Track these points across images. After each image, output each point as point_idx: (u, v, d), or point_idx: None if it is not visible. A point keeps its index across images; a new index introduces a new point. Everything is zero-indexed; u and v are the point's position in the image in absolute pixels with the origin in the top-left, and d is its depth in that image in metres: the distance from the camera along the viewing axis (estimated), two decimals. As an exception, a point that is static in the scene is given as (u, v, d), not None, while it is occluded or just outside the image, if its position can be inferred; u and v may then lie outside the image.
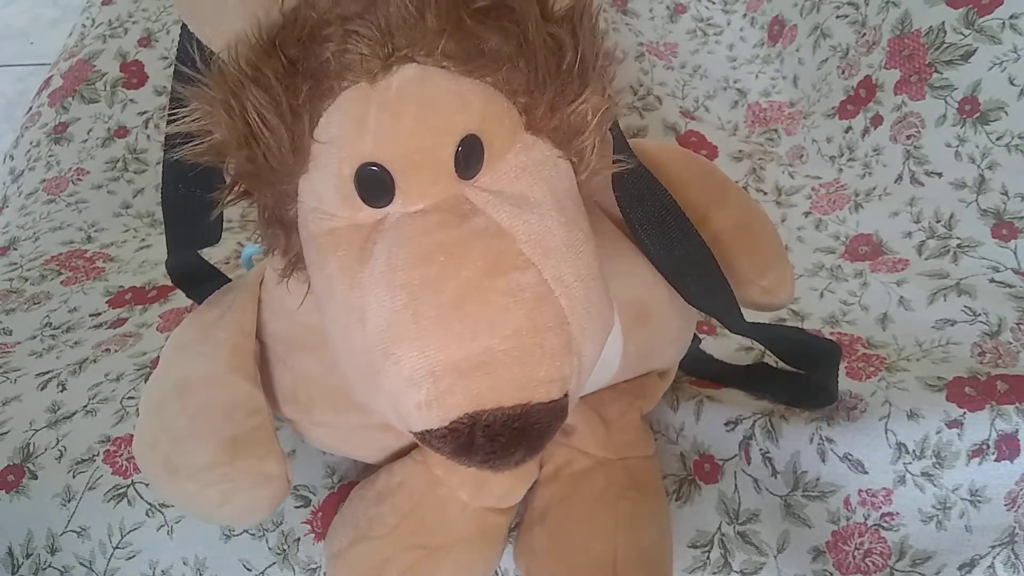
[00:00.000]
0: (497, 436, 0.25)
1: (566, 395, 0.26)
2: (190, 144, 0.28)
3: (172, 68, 0.30)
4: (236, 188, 0.28)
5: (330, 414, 0.36)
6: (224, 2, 0.25)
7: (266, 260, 0.37)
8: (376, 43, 0.25)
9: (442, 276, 0.25)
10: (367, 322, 0.26)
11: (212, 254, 0.55)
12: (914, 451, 0.39)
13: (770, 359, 0.47)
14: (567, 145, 0.28)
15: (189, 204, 0.33)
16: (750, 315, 0.38)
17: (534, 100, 0.27)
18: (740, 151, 0.71)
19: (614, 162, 0.31)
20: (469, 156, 0.26)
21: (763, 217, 0.39)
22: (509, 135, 0.27)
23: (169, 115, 0.28)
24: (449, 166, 0.26)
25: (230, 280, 0.39)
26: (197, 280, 0.39)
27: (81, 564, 0.42)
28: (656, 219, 0.34)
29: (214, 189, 0.29)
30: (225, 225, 0.36)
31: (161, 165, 0.33)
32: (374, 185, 0.26)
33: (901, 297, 0.53)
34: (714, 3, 0.85)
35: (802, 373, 0.42)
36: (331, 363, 0.34)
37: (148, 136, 0.76)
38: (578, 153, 0.29)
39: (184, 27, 0.29)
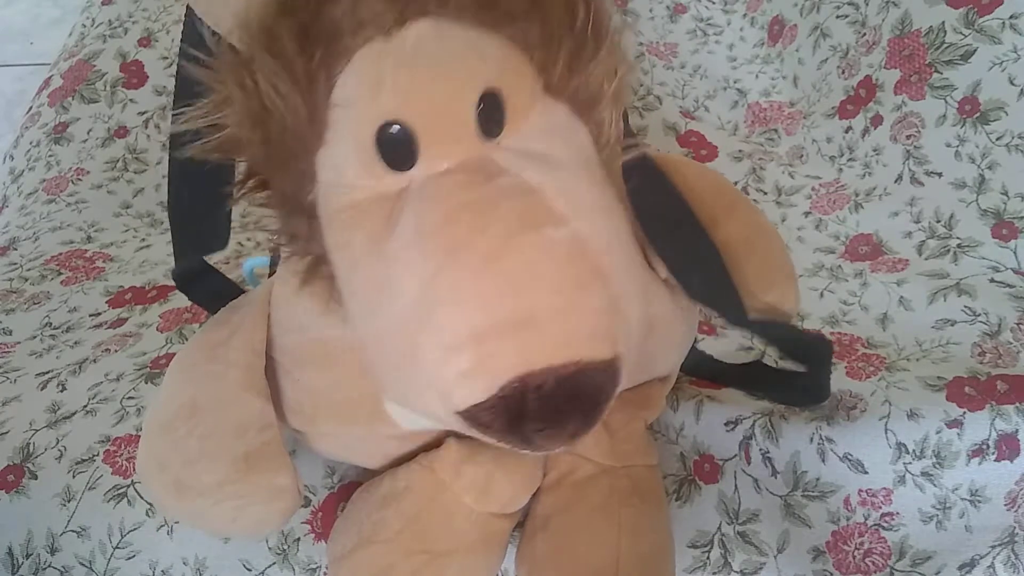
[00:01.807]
0: (550, 399, 0.24)
1: (617, 357, 0.25)
2: (199, 141, 0.27)
3: (172, 68, 0.30)
4: (251, 180, 0.28)
5: (334, 426, 0.36)
6: None
7: (273, 277, 0.37)
8: None
9: (471, 235, 0.24)
10: (400, 294, 0.25)
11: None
12: (914, 451, 0.39)
13: (769, 359, 0.47)
14: (586, 114, 0.28)
15: (196, 208, 0.32)
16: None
17: (550, 56, 0.26)
18: (740, 151, 0.71)
19: (625, 147, 0.30)
20: (490, 113, 0.25)
21: (771, 235, 0.38)
22: (528, 93, 0.26)
23: (174, 114, 0.28)
24: (471, 123, 0.25)
25: (235, 285, 0.39)
26: (203, 286, 0.38)
27: (81, 564, 0.42)
28: (664, 214, 0.33)
29: (222, 190, 0.28)
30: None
31: (166, 168, 0.33)
32: (396, 146, 0.25)
33: (901, 297, 0.53)
34: (714, 3, 0.85)
35: (800, 372, 0.42)
36: (336, 378, 0.33)
37: (148, 136, 0.76)
38: (597, 124, 0.28)
39: (187, 20, 0.28)
